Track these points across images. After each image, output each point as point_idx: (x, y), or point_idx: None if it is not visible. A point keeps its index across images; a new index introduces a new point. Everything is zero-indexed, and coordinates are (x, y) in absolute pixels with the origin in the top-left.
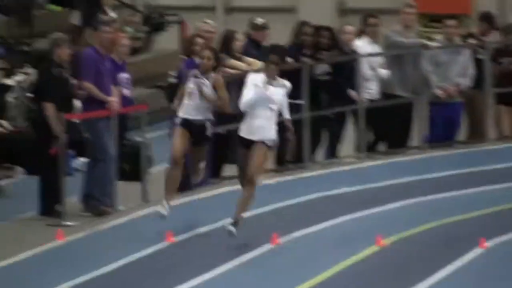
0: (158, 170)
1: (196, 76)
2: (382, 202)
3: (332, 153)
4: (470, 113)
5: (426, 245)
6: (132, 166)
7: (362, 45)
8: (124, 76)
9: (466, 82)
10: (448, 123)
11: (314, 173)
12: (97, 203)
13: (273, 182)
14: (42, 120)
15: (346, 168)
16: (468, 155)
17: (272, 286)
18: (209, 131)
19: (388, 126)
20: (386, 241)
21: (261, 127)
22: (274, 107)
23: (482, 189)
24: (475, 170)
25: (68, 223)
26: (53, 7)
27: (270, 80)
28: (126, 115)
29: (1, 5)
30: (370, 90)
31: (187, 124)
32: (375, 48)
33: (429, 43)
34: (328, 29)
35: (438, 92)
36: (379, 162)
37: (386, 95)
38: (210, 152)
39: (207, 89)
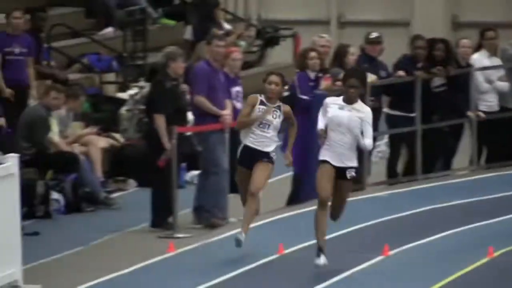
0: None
1: (262, 102)
2: (494, 214)
3: (446, 165)
4: None
5: None
6: None
7: (479, 58)
8: (237, 90)
9: None
10: None
11: (427, 185)
12: (208, 215)
13: (385, 194)
14: (152, 132)
15: (459, 180)
16: None
17: None
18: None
19: (502, 139)
20: (497, 253)
21: (341, 154)
22: (348, 133)
23: None
24: None
25: (180, 235)
26: (167, 21)
27: (347, 104)
28: None
29: (116, 20)
30: (488, 103)
31: (248, 154)
32: (494, 61)
33: None
34: (443, 41)
35: None
36: (492, 174)
37: (501, 108)
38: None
39: (278, 120)
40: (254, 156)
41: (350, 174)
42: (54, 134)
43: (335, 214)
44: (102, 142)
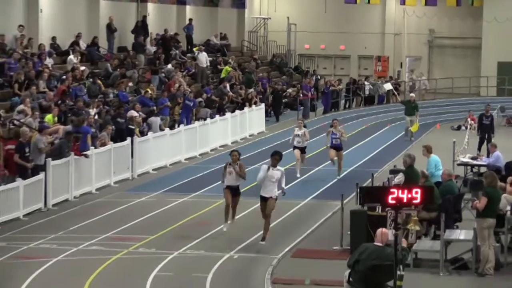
0: None
1: (230, 164)
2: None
3: None
4: None
5: None
6: None
7: (367, 83)
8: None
9: None
10: None
11: None
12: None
13: None
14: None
15: None
16: None
17: None
18: (239, 190)
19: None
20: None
21: (270, 189)
22: (274, 180)
23: None
24: None
25: None
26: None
27: (273, 167)
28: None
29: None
30: (366, 92)
31: (229, 187)
32: (367, 82)
33: None
34: (355, 79)
35: None
36: None
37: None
38: None
39: (236, 170)
40: (232, 188)
41: (274, 196)
42: None
43: (268, 214)
44: None
